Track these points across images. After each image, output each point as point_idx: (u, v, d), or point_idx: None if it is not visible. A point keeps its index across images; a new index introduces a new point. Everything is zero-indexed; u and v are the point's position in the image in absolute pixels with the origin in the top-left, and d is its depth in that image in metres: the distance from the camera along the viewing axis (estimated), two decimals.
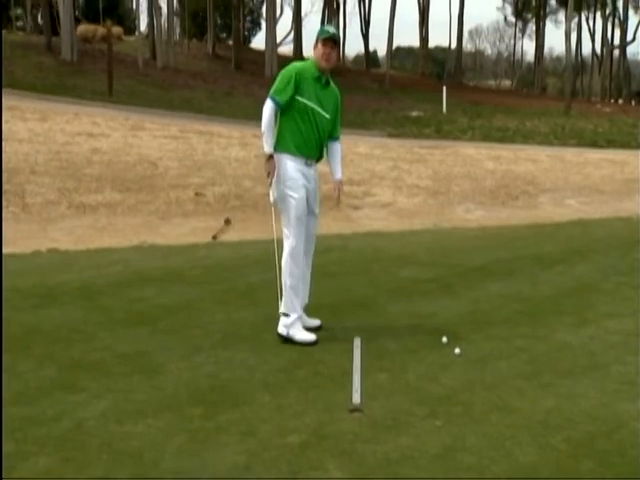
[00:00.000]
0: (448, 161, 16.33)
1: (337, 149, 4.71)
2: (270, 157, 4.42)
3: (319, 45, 4.45)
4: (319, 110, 4.46)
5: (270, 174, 4.43)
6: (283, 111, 4.43)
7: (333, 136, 4.66)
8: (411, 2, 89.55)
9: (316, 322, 4.74)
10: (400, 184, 12.81)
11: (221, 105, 26.84)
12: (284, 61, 34.03)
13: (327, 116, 4.51)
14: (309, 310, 4.71)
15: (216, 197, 10.43)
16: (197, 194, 10.48)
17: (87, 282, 5.81)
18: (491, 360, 4.21)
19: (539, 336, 4.69)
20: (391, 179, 13.27)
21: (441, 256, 7.29)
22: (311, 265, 4.67)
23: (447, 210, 11.04)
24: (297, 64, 4.54)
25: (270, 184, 4.46)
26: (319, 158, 4.63)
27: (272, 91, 4.42)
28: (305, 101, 4.41)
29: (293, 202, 4.42)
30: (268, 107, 4.39)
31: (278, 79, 4.44)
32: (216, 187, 11.02)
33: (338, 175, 4.69)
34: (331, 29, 4.52)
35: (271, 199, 4.48)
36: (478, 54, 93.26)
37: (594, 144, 23.03)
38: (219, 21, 59.08)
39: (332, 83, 4.61)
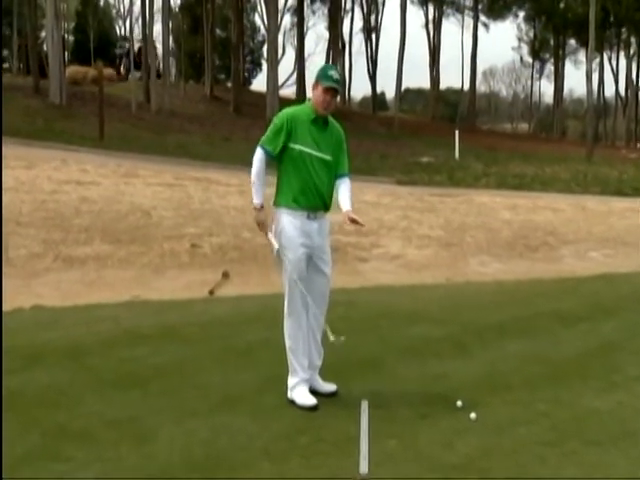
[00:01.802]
0: (461, 210, 16.42)
1: (345, 185, 4.65)
2: (260, 208, 4.50)
3: (319, 90, 4.49)
4: (317, 154, 4.50)
5: (261, 226, 4.49)
6: (279, 162, 4.52)
7: (338, 174, 4.65)
8: (421, 41, 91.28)
9: (331, 387, 4.73)
10: (410, 235, 12.89)
11: (219, 150, 27.12)
12: (286, 104, 34.57)
13: (327, 158, 4.54)
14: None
15: (213, 248, 10.49)
16: (193, 245, 10.55)
17: (74, 341, 5.81)
18: (510, 426, 4.19)
19: (562, 401, 4.66)
20: (400, 229, 13.36)
21: (454, 313, 7.30)
22: (323, 325, 4.66)
23: (460, 263, 11.08)
24: (290, 109, 4.60)
25: (266, 234, 4.51)
26: (327, 208, 4.60)
27: (262, 140, 4.53)
28: (300, 147, 4.47)
29: (288, 263, 4.47)
30: (257, 156, 4.51)
31: (269, 127, 4.53)
32: (213, 238, 11.09)
33: (347, 206, 4.57)
34: (334, 73, 4.53)
35: (275, 247, 4.49)
36: (493, 96, 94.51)
37: (618, 192, 23.13)
38: (217, 62, 60.17)
39: (332, 121, 4.66)
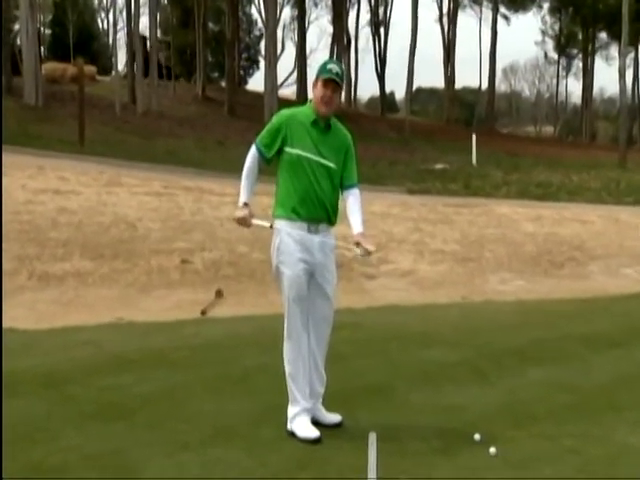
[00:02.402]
0: (479, 222, 16.42)
1: (354, 198, 4.65)
2: (243, 205, 4.55)
3: (318, 85, 4.52)
4: (318, 159, 4.50)
5: (242, 220, 4.54)
6: (277, 169, 4.58)
7: (346, 184, 4.66)
8: (434, 36, 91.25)
9: (335, 418, 4.74)
10: (422, 249, 12.89)
11: (212, 156, 27.16)
12: (286, 105, 34.54)
13: (331, 165, 4.54)
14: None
15: (206, 264, 10.50)
16: (183, 261, 10.56)
17: (51, 368, 5.80)
18: (534, 463, 4.18)
19: (592, 436, 4.64)
20: (411, 243, 13.35)
21: (471, 335, 7.27)
22: (325, 351, 4.69)
23: (478, 280, 11.08)
24: (288, 110, 4.65)
25: (250, 225, 4.58)
26: (331, 221, 4.61)
27: (258, 137, 4.62)
28: (298, 152, 4.49)
29: (285, 280, 4.50)
30: (250, 153, 4.60)
31: (267, 125, 4.62)
32: (206, 253, 11.10)
33: (358, 228, 4.56)
34: (334, 66, 4.55)
35: (267, 224, 4.54)
36: (514, 96, 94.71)
37: None
38: (210, 59, 60.33)
39: (337, 124, 4.67)
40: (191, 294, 9.20)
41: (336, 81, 4.50)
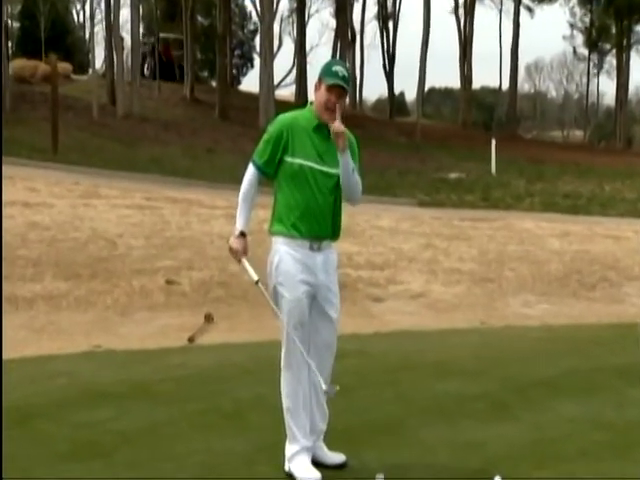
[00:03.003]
0: (499, 237, 16.42)
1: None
2: (240, 234, 4.59)
3: (322, 89, 4.54)
4: (321, 168, 4.53)
5: (234, 253, 4.57)
6: (275, 180, 4.60)
7: None
8: (449, 30, 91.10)
9: (338, 458, 4.73)
10: (435, 268, 12.89)
11: (202, 165, 27.19)
12: (283, 108, 34.01)
13: (333, 172, 4.56)
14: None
15: (194, 285, 10.51)
16: (169, 282, 10.57)
17: (20, 402, 5.76)
18: None
19: (629, 477, 4.62)
20: (424, 261, 13.37)
21: (492, 365, 7.25)
22: (328, 382, 4.67)
23: (498, 303, 11.05)
24: (286, 115, 4.67)
25: (239, 262, 4.59)
26: (334, 236, 4.65)
27: (255, 153, 4.63)
28: (300, 161, 4.51)
29: (285, 304, 4.51)
30: (247, 173, 4.64)
31: (263, 137, 4.63)
32: (194, 272, 11.10)
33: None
34: (340, 69, 4.56)
35: (253, 278, 4.53)
36: (538, 97, 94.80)
37: None
38: (199, 56, 60.51)
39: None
40: (177, 318, 9.18)
41: (342, 86, 4.53)
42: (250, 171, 4.62)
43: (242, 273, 10.26)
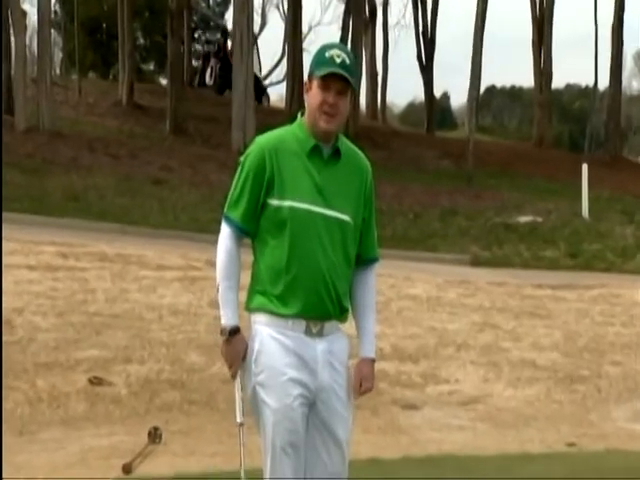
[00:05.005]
0: (595, 314, 14.40)
1: (368, 287, 4.20)
2: (233, 333, 4.00)
3: (314, 86, 3.97)
4: (322, 211, 3.99)
5: (231, 363, 4.04)
6: (256, 232, 4.08)
7: (364, 258, 4.15)
8: (513, 4, 78.71)
9: None
10: (497, 359, 11.25)
11: (145, 204, 23.21)
12: (269, 118, 29.17)
13: (343, 217, 4.02)
14: None
15: (132, 386, 9.16)
16: (94, 381, 9.12)
17: None
18: None
19: None
20: (479, 348, 11.69)
21: None
22: None
23: (594, 414, 9.60)
24: (267, 137, 4.08)
25: (234, 376, 4.06)
26: (342, 314, 4.09)
27: (227, 204, 4.07)
28: (290, 203, 3.97)
29: (269, 415, 3.95)
30: (222, 236, 4.04)
31: (235, 183, 4.05)
32: (133, 366, 9.78)
33: (366, 349, 4.14)
34: (338, 52, 3.97)
35: (237, 419, 4.05)
36: None
37: None
38: (141, 40, 48.07)
39: (349, 149, 4.13)
40: (106, 438, 7.80)
41: (343, 77, 3.89)
42: (225, 233, 4.02)
43: (208, 365, 9.51)
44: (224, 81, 39.90)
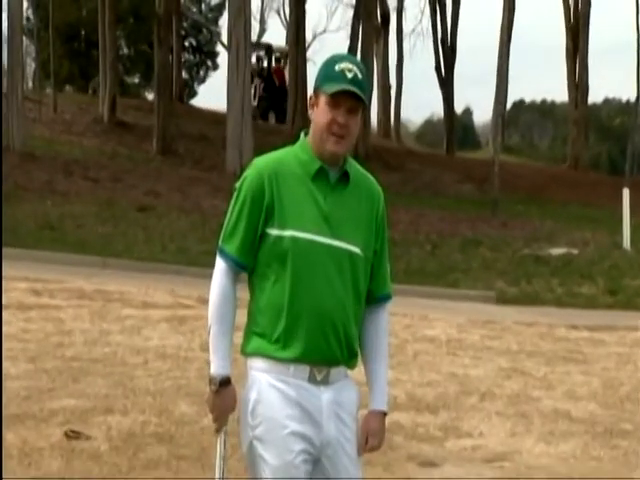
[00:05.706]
0: (638, 359, 13.72)
1: (379, 330, 3.93)
2: (223, 384, 3.74)
3: (321, 103, 3.69)
4: (329, 242, 3.72)
5: (217, 417, 3.79)
6: (254, 266, 3.84)
7: (376, 295, 3.86)
8: (542, 9, 73.92)
9: None
10: (527, 410, 10.54)
11: (129, 233, 22.11)
12: (269, 137, 28.27)
13: (352, 249, 3.75)
14: None
15: (114, 440, 8.54)
16: (70, 434, 8.59)
17: None
18: None
19: None
20: (506, 398, 10.99)
21: None
22: None
23: (638, 472, 9.00)
24: (265, 159, 3.80)
25: (218, 430, 3.81)
26: (350, 359, 3.81)
27: (222, 236, 3.83)
28: (292, 233, 3.70)
29: (267, 474, 3.68)
30: (217, 272, 3.79)
31: (231, 204, 3.84)
32: (114, 417, 9.15)
33: (376, 400, 3.87)
34: (348, 66, 3.71)
35: (217, 473, 3.84)
36: None
37: None
38: (125, 50, 45.20)
39: (358, 173, 3.86)
40: None
41: (355, 94, 3.63)
42: (220, 269, 3.74)
43: (200, 416, 8.97)
44: (270, 104, 38.26)
